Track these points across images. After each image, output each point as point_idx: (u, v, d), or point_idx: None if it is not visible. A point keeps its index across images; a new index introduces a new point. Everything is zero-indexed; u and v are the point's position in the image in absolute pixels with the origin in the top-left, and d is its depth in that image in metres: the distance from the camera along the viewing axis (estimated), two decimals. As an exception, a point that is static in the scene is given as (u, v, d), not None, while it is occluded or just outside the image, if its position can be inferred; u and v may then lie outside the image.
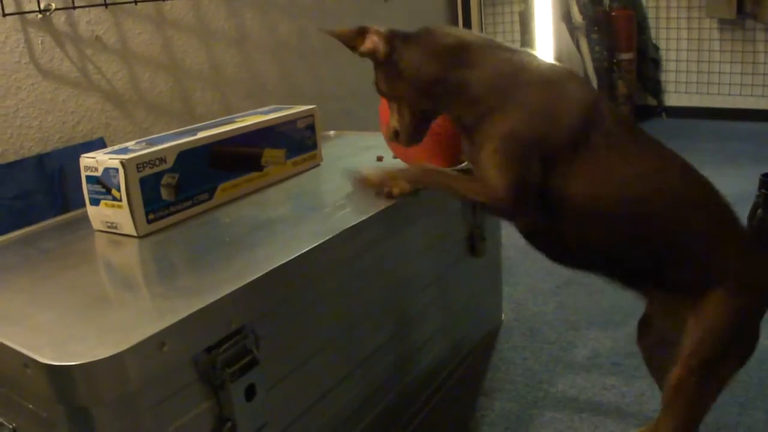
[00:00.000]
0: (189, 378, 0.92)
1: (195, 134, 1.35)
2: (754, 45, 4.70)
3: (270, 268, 1.01)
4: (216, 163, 1.36)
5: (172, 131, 1.40)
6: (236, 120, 1.48)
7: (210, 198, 1.35)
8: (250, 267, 1.02)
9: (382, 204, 1.29)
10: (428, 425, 1.58)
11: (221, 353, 0.93)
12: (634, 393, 1.73)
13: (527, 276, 2.36)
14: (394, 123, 1.24)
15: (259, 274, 0.99)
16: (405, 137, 1.25)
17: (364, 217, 1.24)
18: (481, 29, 3.55)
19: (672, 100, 5.06)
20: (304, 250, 1.08)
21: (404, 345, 1.48)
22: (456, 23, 3.46)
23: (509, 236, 2.79)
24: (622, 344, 1.95)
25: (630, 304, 2.23)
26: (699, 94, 4.97)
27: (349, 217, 1.24)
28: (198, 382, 0.93)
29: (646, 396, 1.71)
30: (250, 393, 0.97)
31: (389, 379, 1.43)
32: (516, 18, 4.57)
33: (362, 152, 1.77)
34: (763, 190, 2.42)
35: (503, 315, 2.06)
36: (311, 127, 1.58)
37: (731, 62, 4.81)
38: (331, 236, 1.15)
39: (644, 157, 1.18)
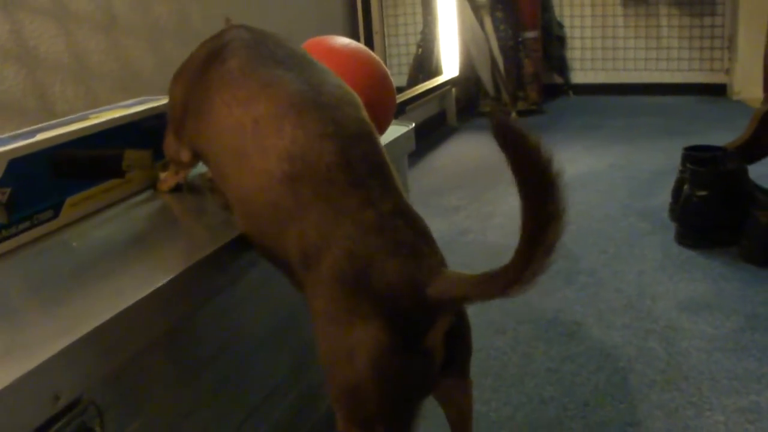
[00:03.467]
0: (6, 475, 0.66)
1: (33, 136, 1.07)
2: (658, 19, 4.71)
3: (117, 312, 0.75)
4: (62, 172, 1.09)
5: (5, 134, 1.13)
6: (90, 116, 1.21)
7: (55, 216, 1.07)
8: (91, 311, 0.75)
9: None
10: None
11: (48, 439, 0.67)
12: (577, 404, 1.53)
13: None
14: None
15: (100, 322, 0.73)
16: None
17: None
18: (381, 13, 3.32)
19: (578, 77, 5.03)
20: (166, 281, 0.83)
21: (305, 382, 1.24)
22: (355, 7, 3.22)
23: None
24: (556, 346, 1.76)
25: (561, 298, 2.06)
26: (605, 71, 4.96)
27: (230, 231, 0.99)
28: (21, 479, 0.68)
29: (590, 406, 1.52)
30: (96, 485, 0.72)
31: (290, 424, 1.19)
32: (417, -1, 4.41)
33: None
34: (688, 165, 2.27)
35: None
36: (183, 122, 1.33)
37: (635, 37, 4.82)
38: (202, 257, 0.91)
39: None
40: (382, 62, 1.41)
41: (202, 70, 1.04)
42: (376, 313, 0.76)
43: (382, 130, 1.40)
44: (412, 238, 0.81)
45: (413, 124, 1.59)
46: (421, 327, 0.78)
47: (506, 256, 0.72)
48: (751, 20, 4.27)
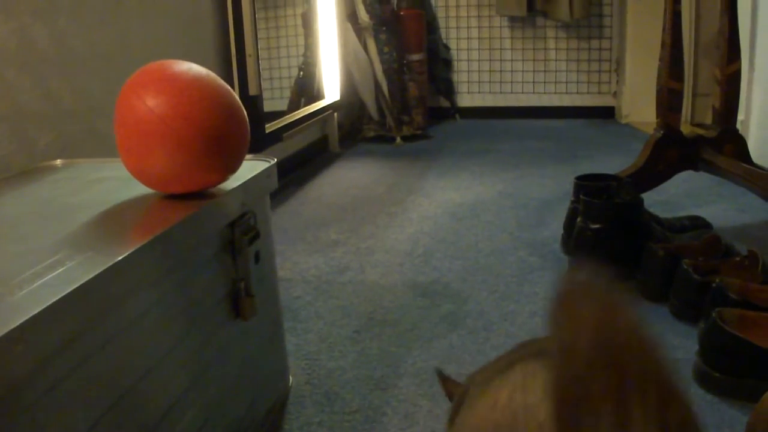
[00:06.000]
0: None
1: None
2: (545, 42, 4.73)
3: None
4: None
5: None
6: None
7: None
8: None
9: (90, 269, 0.83)
10: None
11: None
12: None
13: (319, 319, 1.93)
14: None
15: None
16: None
17: (60, 296, 0.76)
18: (255, 35, 3.09)
19: (465, 100, 4.98)
20: None
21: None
22: (226, 28, 2.99)
23: (296, 269, 2.38)
24: (442, 404, 1.57)
25: (447, 345, 1.87)
26: (492, 94, 4.93)
27: (36, 296, 0.76)
28: None
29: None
30: None
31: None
32: (299, 21, 4.24)
33: (86, 188, 1.28)
34: (581, 197, 2.14)
35: (291, 379, 1.62)
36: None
37: (523, 60, 4.81)
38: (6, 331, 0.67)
39: None
40: (231, 90, 1.19)
41: None
42: None
43: (234, 166, 1.19)
44: None
45: (275, 160, 1.38)
46: None
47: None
48: (639, 43, 4.28)
